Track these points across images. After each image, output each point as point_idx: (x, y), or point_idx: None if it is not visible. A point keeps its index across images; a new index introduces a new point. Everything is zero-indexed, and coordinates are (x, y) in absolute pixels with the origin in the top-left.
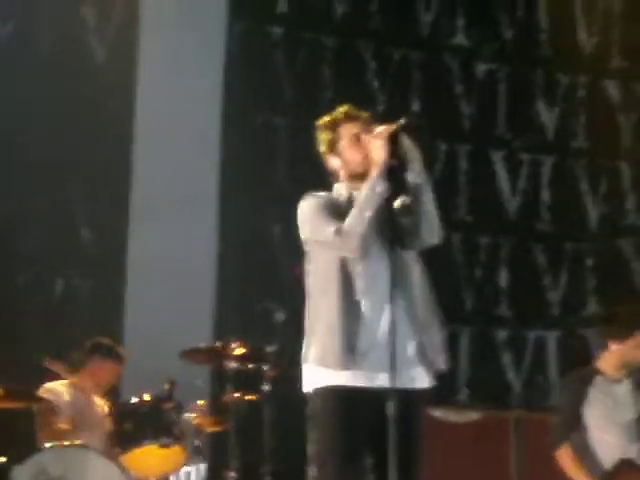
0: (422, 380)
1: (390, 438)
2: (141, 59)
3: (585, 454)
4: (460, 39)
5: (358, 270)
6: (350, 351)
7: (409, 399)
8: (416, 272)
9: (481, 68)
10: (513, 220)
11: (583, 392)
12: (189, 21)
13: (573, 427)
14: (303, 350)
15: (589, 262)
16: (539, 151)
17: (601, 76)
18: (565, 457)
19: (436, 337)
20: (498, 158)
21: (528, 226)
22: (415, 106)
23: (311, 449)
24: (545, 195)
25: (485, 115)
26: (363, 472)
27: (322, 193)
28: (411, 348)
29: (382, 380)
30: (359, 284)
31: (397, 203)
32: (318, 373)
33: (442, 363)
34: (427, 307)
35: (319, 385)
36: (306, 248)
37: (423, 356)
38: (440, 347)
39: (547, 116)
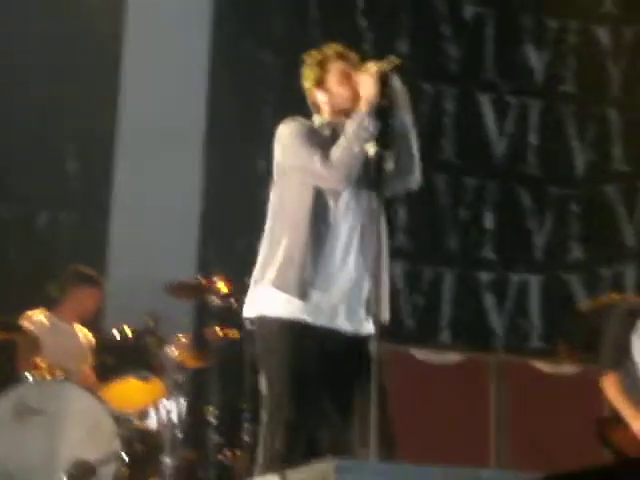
0: (369, 326)
1: (372, 376)
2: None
3: (631, 385)
4: None
5: (331, 204)
6: (308, 282)
7: (360, 343)
8: (381, 218)
9: (469, 10)
10: (499, 163)
11: (632, 324)
12: None
13: (621, 357)
14: (255, 274)
15: (574, 207)
16: (527, 95)
17: (591, 21)
18: (611, 385)
19: (383, 289)
20: (485, 101)
21: (514, 169)
22: (402, 47)
23: (265, 388)
24: (532, 139)
25: (473, 58)
26: (318, 411)
27: (303, 120)
28: (363, 294)
29: (340, 320)
30: (329, 218)
31: (376, 146)
32: (271, 299)
33: (385, 316)
34: (383, 257)
35: (271, 314)
36: (277, 172)
37: (371, 304)
38: (385, 300)
39: (536, 60)
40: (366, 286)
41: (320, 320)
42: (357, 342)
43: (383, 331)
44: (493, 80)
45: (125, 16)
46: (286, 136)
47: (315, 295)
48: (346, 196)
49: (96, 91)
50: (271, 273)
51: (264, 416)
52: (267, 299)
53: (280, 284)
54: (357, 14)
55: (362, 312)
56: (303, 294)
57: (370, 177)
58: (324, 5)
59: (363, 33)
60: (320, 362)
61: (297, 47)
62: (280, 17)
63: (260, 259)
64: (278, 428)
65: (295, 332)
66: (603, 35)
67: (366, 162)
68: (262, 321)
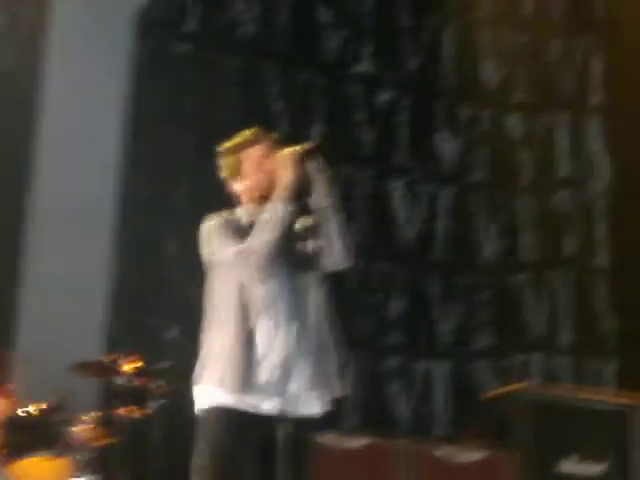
0: (313, 406)
1: (278, 462)
2: (47, 71)
3: None
4: (365, 66)
5: (256, 295)
6: (242, 377)
7: (297, 425)
8: (315, 296)
9: (384, 96)
10: (409, 249)
11: None
12: (96, 35)
13: None
14: (196, 371)
15: (482, 295)
16: (438, 181)
17: (503, 110)
18: None
19: (331, 364)
20: (397, 186)
21: (424, 256)
22: (317, 130)
23: (196, 468)
24: (442, 226)
25: (385, 143)
26: None
27: (224, 214)
28: (305, 375)
29: (272, 406)
30: (256, 309)
31: (299, 226)
32: (209, 393)
33: (337, 390)
34: (323, 333)
35: (210, 404)
36: (207, 270)
37: (316, 383)
38: (335, 374)
39: (448, 147)
40: (306, 365)
41: (249, 408)
42: (296, 426)
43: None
44: (405, 166)
45: (39, 95)
46: (206, 233)
47: (247, 386)
48: (276, 280)
49: (7, 166)
50: (206, 372)
51: None
52: (205, 395)
53: (214, 383)
54: (271, 98)
55: (299, 393)
56: (237, 390)
57: (299, 258)
58: (238, 88)
59: (277, 116)
60: (252, 448)
61: (212, 130)
62: (194, 100)
63: (199, 357)
64: None
65: (229, 418)
66: (514, 123)
67: (291, 242)
68: (201, 414)
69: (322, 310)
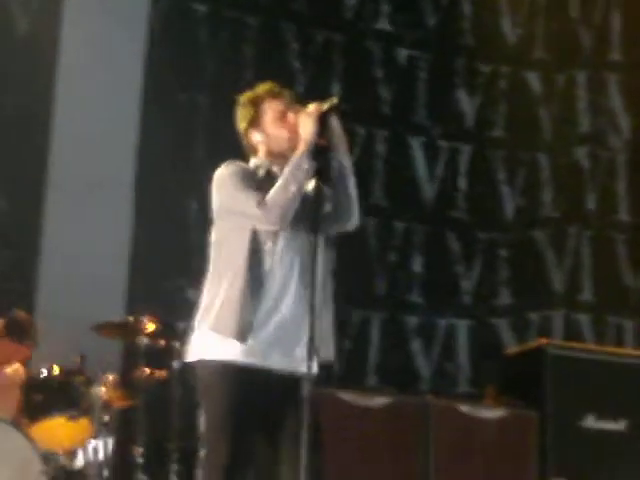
0: (311, 366)
1: (302, 418)
2: (63, 36)
3: None
4: (383, 24)
5: (268, 247)
6: (247, 327)
7: (296, 382)
8: (321, 259)
9: (402, 54)
10: (429, 207)
11: None
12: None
13: None
14: (197, 317)
15: (503, 252)
16: (458, 139)
17: (523, 67)
18: None
19: (326, 327)
20: (416, 144)
21: (443, 214)
22: (335, 89)
23: (203, 428)
24: (462, 183)
25: (404, 101)
26: (253, 453)
27: (240, 163)
28: (303, 333)
29: (274, 360)
30: (267, 261)
31: (315, 185)
32: (210, 342)
33: (329, 354)
34: (324, 296)
35: (210, 357)
36: (216, 217)
37: (311, 342)
38: (329, 338)
39: (467, 105)
40: (306, 325)
41: (255, 361)
42: (293, 382)
43: (328, 370)
44: (424, 124)
45: (58, 61)
46: (221, 180)
47: (252, 337)
48: (284, 237)
49: (26, 136)
50: (211, 317)
51: (202, 455)
52: (205, 343)
53: (219, 328)
54: (290, 56)
55: (300, 352)
56: (242, 337)
57: (309, 216)
58: (257, 47)
59: (296, 74)
60: (256, 404)
61: (229, 89)
62: (212, 59)
63: (202, 303)
64: (212, 471)
65: (230, 375)
66: (534, 81)
67: (305, 201)
68: (200, 364)
69: (326, 273)
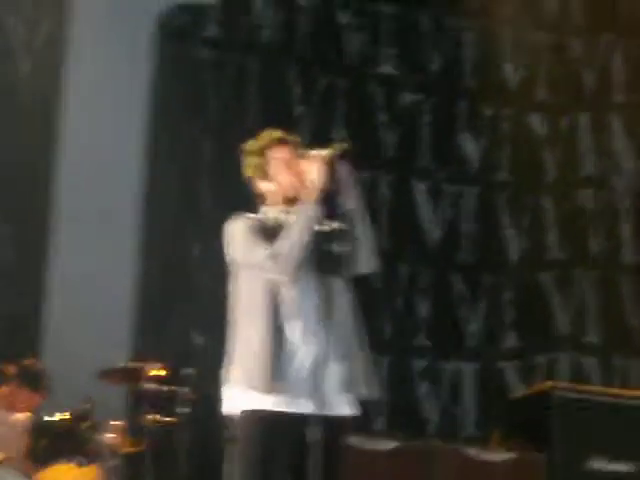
0: (343, 408)
1: (312, 464)
2: (68, 74)
3: None
4: (386, 68)
5: (285, 295)
6: (273, 376)
7: (330, 426)
8: (343, 300)
9: (406, 98)
10: (434, 250)
11: None
12: (118, 40)
13: None
14: (224, 371)
15: (508, 295)
16: (462, 182)
17: (525, 109)
18: None
19: (361, 366)
20: (421, 188)
21: (448, 257)
22: (338, 133)
23: (228, 473)
24: (467, 227)
25: (408, 145)
26: None
27: (250, 215)
28: (335, 376)
29: (304, 406)
30: (285, 309)
31: (329, 229)
32: (240, 395)
33: (368, 391)
34: (351, 335)
35: (240, 408)
36: (231, 270)
37: (346, 384)
38: (365, 376)
39: (471, 148)
40: (336, 367)
41: (285, 409)
42: (328, 427)
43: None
44: (428, 167)
45: (62, 100)
46: (233, 234)
47: (278, 385)
48: (300, 282)
49: (31, 169)
50: (235, 369)
51: None
52: (233, 395)
53: (244, 380)
54: (293, 100)
55: (331, 394)
56: (267, 389)
57: (324, 259)
58: (260, 91)
59: (299, 119)
60: (286, 451)
61: (235, 133)
62: (218, 103)
63: (226, 357)
64: None
65: (262, 422)
66: (537, 123)
67: (319, 245)
68: (230, 417)
69: (349, 312)
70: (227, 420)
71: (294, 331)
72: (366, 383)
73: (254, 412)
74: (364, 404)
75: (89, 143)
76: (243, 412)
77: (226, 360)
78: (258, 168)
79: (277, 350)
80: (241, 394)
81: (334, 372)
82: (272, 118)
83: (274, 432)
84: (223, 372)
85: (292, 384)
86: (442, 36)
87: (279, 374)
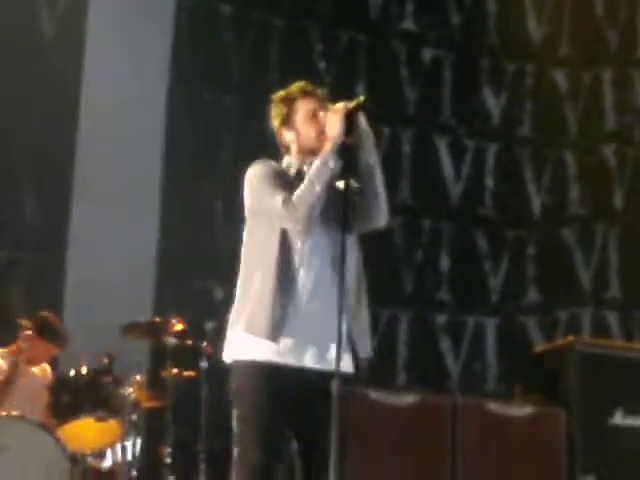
0: (346, 364)
1: (333, 420)
2: (89, 38)
3: None
4: (408, 24)
5: (298, 245)
6: (278, 324)
7: (329, 381)
8: (353, 256)
9: (428, 54)
10: (456, 205)
11: None
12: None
13: None
14: (231, 318)
15: (530, 250)
16: (484, 138)
17: (548, 65)
18: None
19: (363, 324)
20: (442, 144)
21: (470, 212)
22: (360, 89)
23: (235, 427)
24: (489, 182)
25: (430, 101)
26: (286, 453)
27: (270, 161)
28: (339, 333)
29: (308, 359)
30: (297, 259)
31: (345, 183)
32: (244, 342)
33: (367, 350)
34: (358, 293)
35: (243, 357)
36: (247, 216)
37: (348, 341)
38: (366, 334)
39: (493, 103)
40: (341, 323)
41: (288, 360)
42: (326, 381)
43: (364, 367)
44: (450, 123)
45: (84, 64)
46: (251, 179)
47: (284, 336)
48: (313, 236)
49: (53, 135)
50: (243, 317)
51: (234, 453)
52: (238, 343)
53: (251, 328)
54: (315, 56)
55: (334, 350)
56: (274, 337)
57: (338, 215)
58: (282, 48)
59: (321, 75)
60: (288, 403)
61: (256, 90)
62: (239, 60)
63: (235, 302)
64: (245, 470)
65: (264, 374)
66: (560, 78)
67: (334, 200)
68: (234, 365)
69: (358, 270)
70: (231, 367)
71: (301, 283)
72: (368, 341)
73: (255, 364)
74: (384, 358)
75: (110, 106)
76: (244, 362)
77: (234, 307)
78: (285, 118)
79: (285, 300)
80: (247, 342)
81: (339, 328)
82: (294, 74)
83: (276, 387)
84: (230, 318)
85: (297, 335)
86: None
87: (284, 323)
